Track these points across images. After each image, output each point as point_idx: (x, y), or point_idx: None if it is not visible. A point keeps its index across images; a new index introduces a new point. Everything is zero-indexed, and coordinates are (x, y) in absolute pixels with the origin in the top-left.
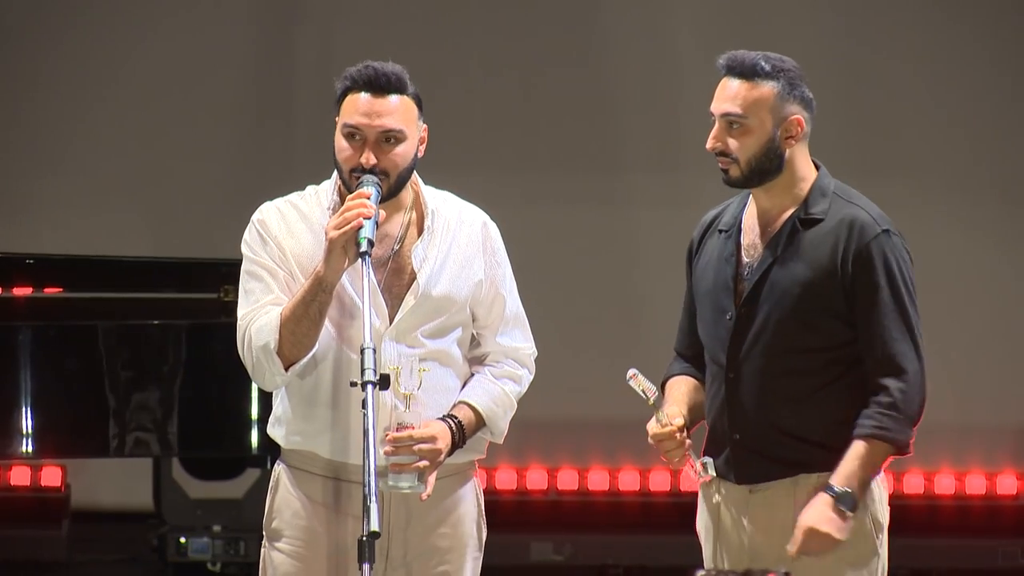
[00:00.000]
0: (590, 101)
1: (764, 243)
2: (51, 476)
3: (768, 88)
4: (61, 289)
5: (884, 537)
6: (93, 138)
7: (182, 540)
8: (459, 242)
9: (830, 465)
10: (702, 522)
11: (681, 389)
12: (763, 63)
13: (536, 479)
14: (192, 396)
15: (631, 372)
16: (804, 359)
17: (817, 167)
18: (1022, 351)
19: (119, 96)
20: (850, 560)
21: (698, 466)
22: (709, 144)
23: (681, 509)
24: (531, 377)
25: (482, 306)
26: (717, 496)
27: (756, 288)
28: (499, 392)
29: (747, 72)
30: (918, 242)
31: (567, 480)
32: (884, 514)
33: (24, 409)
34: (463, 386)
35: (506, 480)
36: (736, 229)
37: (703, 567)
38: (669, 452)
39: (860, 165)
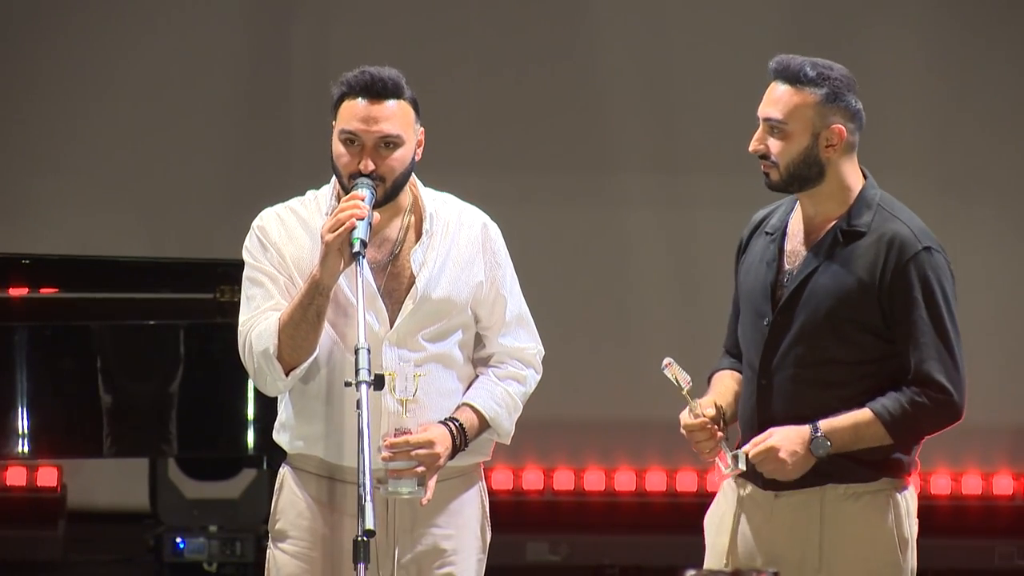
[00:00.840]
0: (585, 100)
1: (807, 250)
2: (47, 476)
3: (810, 95)
4: (57, 289)
5: (910, 554)
6: (89, 138)
7: (178, 540)
8: (459, 244)
9: (859, 477)
10: (716, 518)
11: (726, 383)
12: (808, 69)
13: (532, 479)
14: (188, 396)
15: (666, 361)
16: (836, 370)
17: (865, 176)
18: (1018, 351)
19: (115, 96)
20: (867, 572)
21: (729, 459)
22: (752, 147)
23: (677, 509)
24: (538, 377)
25: (484, 307)
26: (741, 495)
27: (794, 296)
28: (502, 393)
29: (791, 77)
30: None
31: (563, 480)
32: (911, 528)
33: (20, 409)
34: (467, 388)
35: (502, 480)
36: (781, 233)
37: (693, 566)
38: (700, 444)
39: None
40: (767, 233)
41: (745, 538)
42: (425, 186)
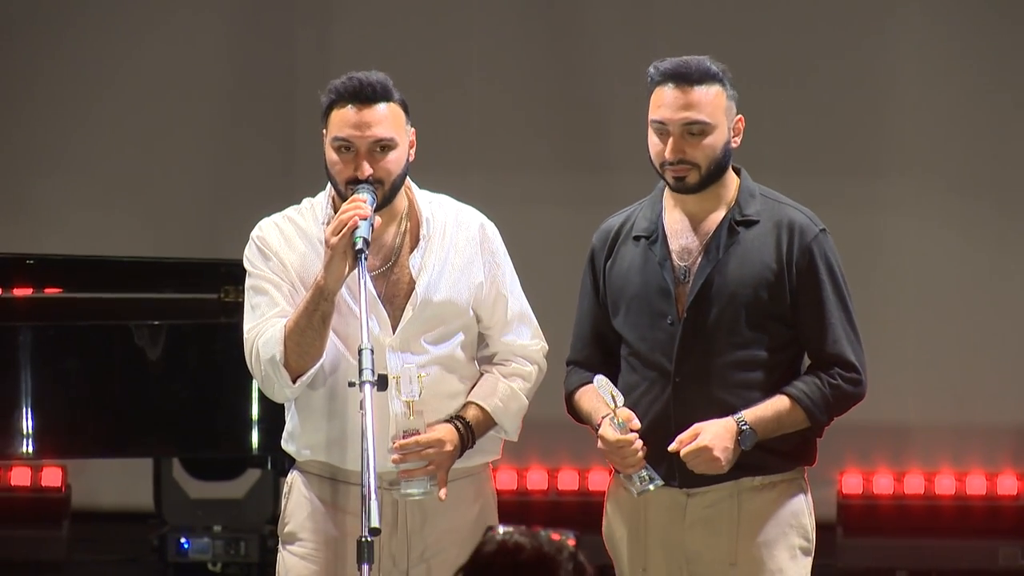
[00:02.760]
0: (586, 101)
1: (700, 246)
2: (51, 476)
3: (720, 90)
4: (61, 289)
5: (814, 536)
6: (93, 138)
7: (182, 540)
8: (457, 246)
9: (772, 468)
10: (620, 533)
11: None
12: (713, 66)
13: (536, 479)
14: (192, 396)
15: (598, 378)
16: (751, 362)
17: (737, 170)
18: (1021, 350)
19: (118, 97)
20: (783, 559)
21: (644, 474)
22: (671, 154)
23: None
24: (542, 373)
25: (485, 307)
26: (642, 502)
27: (703, 290)
28: (507, 390)
29: (704, 77)
30: (916, 241)
31: (567, 480)
32: (813, 513)
33: (24, 410)
34: (472, 387)
35: (506, 480)
36: (660, 234)
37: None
38: (627, 458)
39: (858, 164)
40: (638, 238)
41: (656, 545)
42: (424, 188)
